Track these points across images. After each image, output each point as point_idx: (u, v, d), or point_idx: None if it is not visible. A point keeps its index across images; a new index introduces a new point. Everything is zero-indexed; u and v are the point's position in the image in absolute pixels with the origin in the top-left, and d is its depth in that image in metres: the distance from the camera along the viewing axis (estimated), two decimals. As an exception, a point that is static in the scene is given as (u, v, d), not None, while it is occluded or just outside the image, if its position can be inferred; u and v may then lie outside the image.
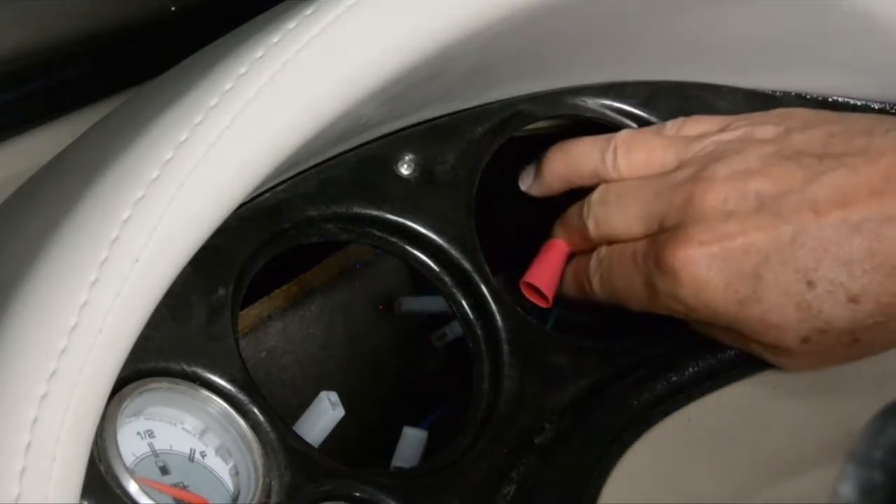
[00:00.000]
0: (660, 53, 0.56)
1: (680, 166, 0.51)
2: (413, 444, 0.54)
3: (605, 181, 0.53)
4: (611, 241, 0.53)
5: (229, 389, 0.44)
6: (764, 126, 0.52)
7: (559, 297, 0.56)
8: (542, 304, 0.55)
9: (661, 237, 0.50)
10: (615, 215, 0.52)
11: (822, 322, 0.47)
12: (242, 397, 0.44)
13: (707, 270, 0.48)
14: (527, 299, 0.55)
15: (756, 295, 0.47)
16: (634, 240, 0.51)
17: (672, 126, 0.55)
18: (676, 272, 0.48)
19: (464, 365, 0.54)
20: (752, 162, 0.49)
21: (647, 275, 0.50)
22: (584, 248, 0.55)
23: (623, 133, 0.54)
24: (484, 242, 0.54)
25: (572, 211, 0.55)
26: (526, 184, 0.58)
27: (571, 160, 0.55)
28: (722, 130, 0.53)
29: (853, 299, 0.46)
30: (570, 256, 0.56)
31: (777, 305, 0.47)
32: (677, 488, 0.50)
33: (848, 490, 0.30)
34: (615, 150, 0.53)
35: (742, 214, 0.48)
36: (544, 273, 0.55)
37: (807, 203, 0.47)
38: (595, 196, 0.53)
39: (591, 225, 0.53)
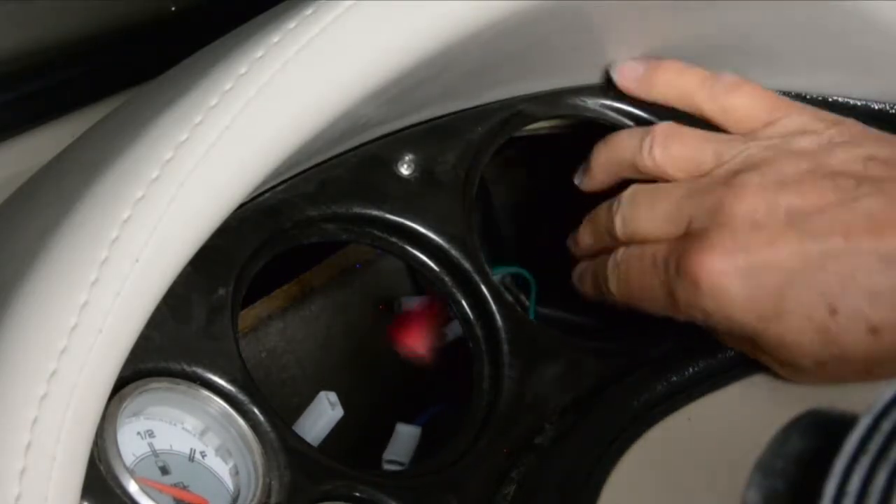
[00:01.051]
0: (659, 54, 0.56)
1: (715, 167, 0.50)
2: (406, 441, 0.54)
3: (644, 172, 0.52)
4: (636, 242, 0.52)
5: (229, 389, 0.44)
6: (806, 135, 0.50)
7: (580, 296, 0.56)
8: (420, 357, 0.57)
9: (685, 242, 0.49)
10: (643, 214, 0.51)
11: (839, 349, 0.46)
12: (242, 397, 0.44)
13: (730, 283, 0.46)
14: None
15: (777, 313, 0.46)
16: (659, 241, 0.50)
17: (721, 90, 0.53)
18: (698, 280, 0.47)
19: (464, 365, 0.54)
20: (788, 175, 0.48)
21: (666, 280, 0.49)
22: (608, 247, 0.54)
23: (663, 124, 0.53)
24: (484, 242, 0.54)
25: (602, 208, 0.54)
26: (578, 179, 0.57)
27: (612, 150, 0.54)
28: (768, 125, 0.51)
29: (873, 330, 0.45)
30: (441, 310, 0.57)
31: (797, 327, 0.46)
32: (677, 488, 0.50)
33: (754, 497, 0.31)
34: (653, 139, 0.52)
35: (771, 228, 0.47)
36: (414, 332, 0.57)
37: (839, 226, 0.46)
38: (626, 193, 0.52)
39: (618, 222, 0.52)
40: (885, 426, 0.27)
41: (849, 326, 0.45)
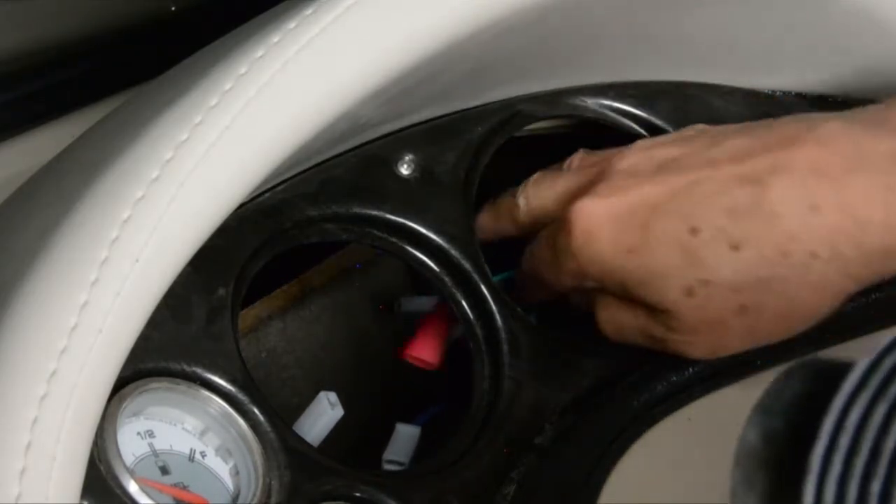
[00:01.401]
0: (660, 53, 0.56)
1: (604, 159, 0.53)
2: (406, 441, 0.54)
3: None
4: (538, 223, 0.53)
5: (229, 389, 0.44)
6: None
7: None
8: (427, 368, 0.56)
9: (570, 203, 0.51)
10: (545, 191, 0.53)
11: (705, 271, 0.47)
12: (242, 397, 0.44)
13: (598, 221, 0.49)
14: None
15: (643, 245, 0.48)
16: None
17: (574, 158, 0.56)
18: (571, 224, 0.49)
19: (464, 365, 0.54)
20: (667, 140, 0.52)
21: (550, 235, 0.51)
22: (511, 234, 0.55)
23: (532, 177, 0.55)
24: (484, 242, 0.54)
25: (504, 195, 0.56)
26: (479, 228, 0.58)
27: (495, 211, 0.56)
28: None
29: (734, 246, 0.46)
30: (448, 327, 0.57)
31: (661, 254, 0.48)
32: (677, 488, 0.50)
33: (753, 436, 0.32)
34: (525, 186, 0.54)
35: (643, 173, 0.49)
36: (426, 344, 0.56)
37: (704, 160, 0.48)
38: (531, 178, 0.54)
39: (521, 202, 0.54)
40: (886, 364, 0.28)
41: (710, 243, 0.47)
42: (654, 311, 0.49)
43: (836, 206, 0.45)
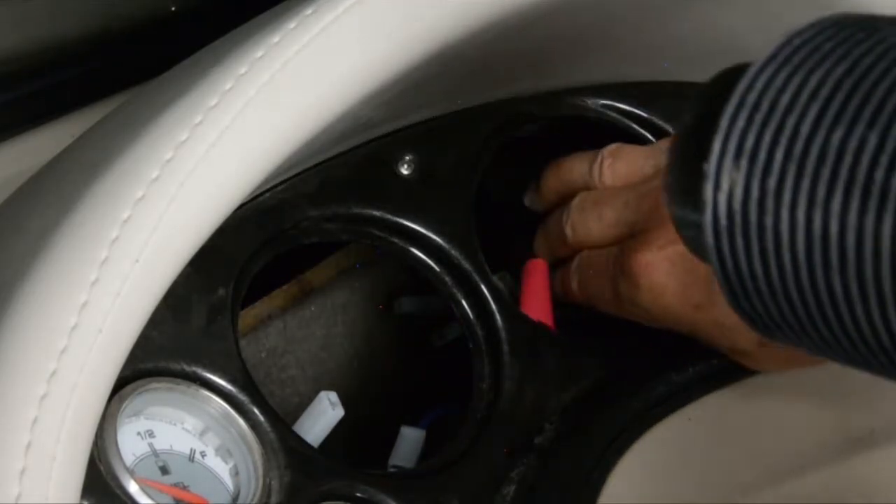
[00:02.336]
0: (660, 53, 0.56)
1: (655, 175, 0.52)
2: (411, 444, 0.54)
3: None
4: (587, 247, 0.54)
5: (229, 389, 0.44)
6: None
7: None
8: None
9: (628, 243, 0.50)
10: (591, 221, 0.53)
11: None
12: (242, 397, 0.44)
13: (664, 275, 0.48)
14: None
15: (710, 300, 0.48)
16: (609, 245, 0.52)
17: (662, 142, 0.56)
18: (636, 277, 0.49)
19: (464, 365, 0.54)
20: None
21: (613, 280, 0.51)
22: (563, 255, 0.55)
23: (611, 146, 0.55)
24: (484, 242, 0.54)
25: (553, 219, 0.56)
26: (528, 200, 0.59)
27: (563, 175, 0.56)
28: None
29: None
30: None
31: (729, 310, 0.47)
32: (677, 488, 0.50)
33: (687, 119, 0.34)
34: (601, 161, 0.54)
35: None
36: (537, 301, 0.55)
37: None
38: (574, 203, 0.54)
39: (568, 231, 0.54)
40: (795, 42, 0.29)
41: None
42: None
43: None
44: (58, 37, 0.58)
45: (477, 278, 0.53)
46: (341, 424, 0.51)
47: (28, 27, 0.57)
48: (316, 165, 0.50)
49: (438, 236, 0.52)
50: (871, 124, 0.25)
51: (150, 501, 0.39)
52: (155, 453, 0.44)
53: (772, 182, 0.27)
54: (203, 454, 0.45)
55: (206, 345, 0.44)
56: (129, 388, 0.41)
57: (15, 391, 0.34)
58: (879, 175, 0.24)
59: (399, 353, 0.65)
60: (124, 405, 0.41)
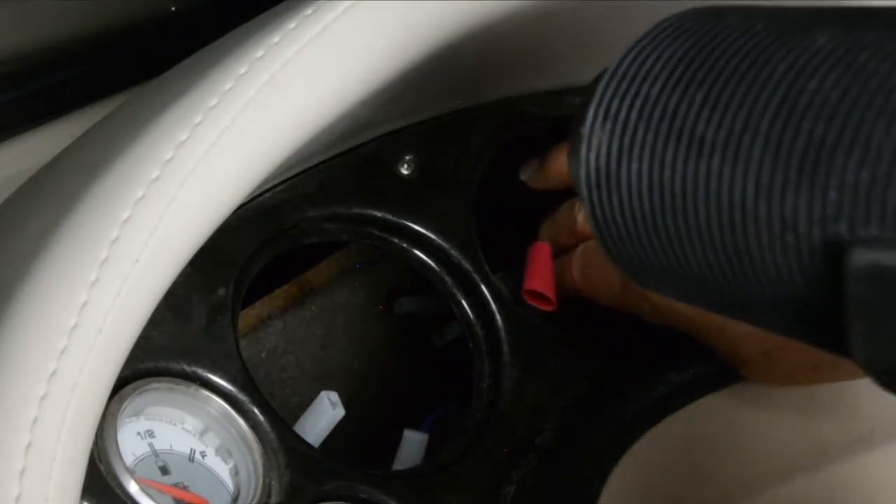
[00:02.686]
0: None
1: None
2: (414, 447, 0.54)
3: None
4: None
5: (229, 389, 0.44)
6: None
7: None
8: (547, 308, 0.55)
9: None
10: None
11: (783, 339, 0.46)
12: (242, 397, 0.44)
13: None
14: (530, 306, 0.55)
15: None
16: None
17: None
18: None
19: (464, 365, 0.54)
20: None
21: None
22: (570, 245, 0.55)
23: None
24: (484, 242, 0.54)
25: (563, 207, 0.55)
26: (527, 175, 0.58)
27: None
28: None
29: None
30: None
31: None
32: (677, 488, 0.50)
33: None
34: None
35: None
36: (541, 277, 0.55)
37: None
38: None
39: (580, 218, 0.53)
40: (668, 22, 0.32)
41: None
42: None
43: None
44: (58, 37, 0.58)
45: (477, 278, 0.53)
46: (341, 424, 0.51)
47: (28, 27, 0.57)
48: (316, 165, 0.50)
49: (438, 236, 0.53)
50: (699, 85, 0.28)
51: (150, 501, 0.39)
52: (155, 453, 0.44)
53: (626, 139, 0.30)
54: (203, 454, 0.45)
55: (206, 345, 0.44)
56: (129, 388, 0.41)
57: (15, 391, 0.34)
58: (700, 128, 0.28)
59: (399, 353, 0.65)
60: (124, 405, 0.41)
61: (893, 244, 0.23)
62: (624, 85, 0.31)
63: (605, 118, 0.31)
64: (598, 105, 0.32)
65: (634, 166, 0.30)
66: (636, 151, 0.30)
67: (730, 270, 0.28)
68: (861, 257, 0.24)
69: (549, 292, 0.54)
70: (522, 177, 0.58)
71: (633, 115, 0.30)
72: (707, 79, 0.28)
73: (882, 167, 0.23)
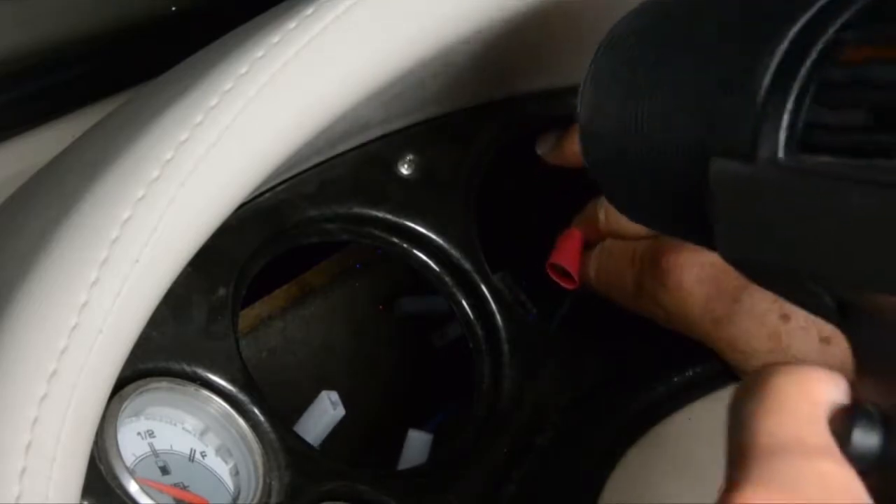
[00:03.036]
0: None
1: None
2: (419, 447, 0.54)
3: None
4: (618, 236, 0.53)
5: (229, 389, 0.44)
6: None
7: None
8: (567, 285, 0.55)
9: (663, 238, 0.50)
10: None
11: (791, 357, 0.46)
12: (243, 397, 0.44)
13: (692, 280, 0.48)
14: (539, 289, 0.55)
15: (730, 316, 0.47)
16: (638, 238, 0.52)
17: None
18: (665, 275, 0.49)
19: (464, 365, 0.54)
20: None
21: (640, 273, 0.51)
22: (592, 241, 0.55)
23: None
24: (484, 242, 0.54)
25: (590, 204, 0.55)
26: (544, 150, 0.57)
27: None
28: None
29: (825, 340, 0.46)
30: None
31: (748, 332, 0.47)
32: (678, 488, 0.50)
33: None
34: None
35: None
36: (567, 254, 0.55)
37: None
38: None
39: (601, 216, 0.53)
40: None
41: (800, 334, 0.46)
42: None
43: None
44: (58, 37, 0.58)
45: (477, 278, 0.53)
46: (342, 424, 0.51)
47: (28, 27, 0.57)
48: (316, 165, 0.50)
49: (438, 236, 0.52)
50: (652, 43, 0.35)
51: (150, 501, 0.39)
52: (155, 453, 0.44)
53: (602, 92, 0.37)
54: (203, 454, 0.45)
55: (206, 345, 0.44)
56: (129, 388, 0.41)
57: (15, 391, 0.34)
58: (639, 81, 0.34)
59: (399, 353, 0.65)
60: (124, 405, 0.41)
61: (744, 157, 0.29)
62: (610, 49, 0.37)
63: (594, 78, 0.38)
64: (591, 68, 0.38)
65: (603, 110, 0.37)
66: (604, 99, 0.37)
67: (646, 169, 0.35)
68: (717, 165, 0.30)
69: (573, 269, 0.54)
70: (539, 151, 0.57)
71: (609, 73, 0.37)
72: (658, 35, 0.35)
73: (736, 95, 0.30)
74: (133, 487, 0.39)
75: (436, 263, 0.53)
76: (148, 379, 0.42)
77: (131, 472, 0.39)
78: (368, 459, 0.54)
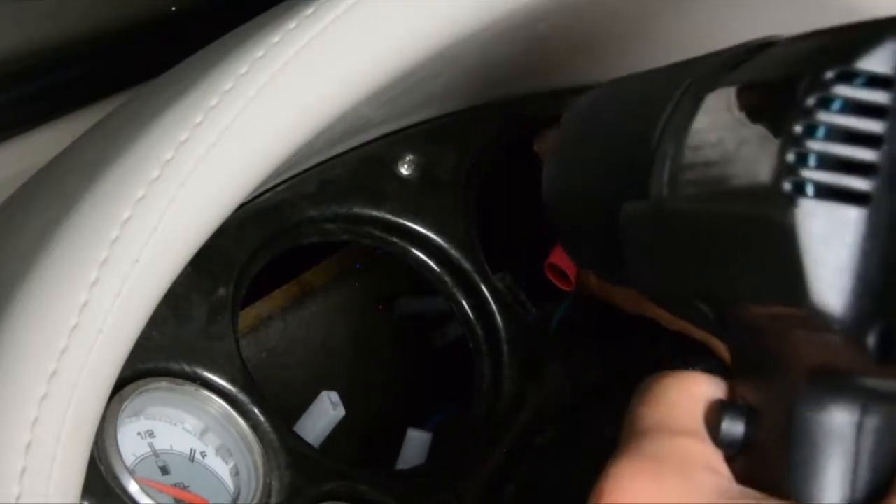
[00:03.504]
0: (661, 53, 0.56)
1: None
2: (418, 446, 0.54)
3: None
4: None
5: (229, 389, 0.44)
6: None
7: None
8: (564, 286, 0.55)
9: None
10: None
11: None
12: (243, 397, 0.44)
13: None
14: (543, 286, 0.55)
15: None
16: None
17: None
18: None
19: (464, 365, 0.54)
20: None
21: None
22: None
23: None
24: (484, 242, 0.54)
25: None
26: (542, 147, 0.57)
27: None
28: None
29: None
30: None
31: None
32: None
33: None
34: None
35: None
36: (565, 256, 0.55)
37: None
38: None
39: None
40: None
41: None
42: None
43: None
44: (58, 37, 0.58)
45: (477, 278, 0.53)
46: (342, 424, 0.51)
47: (28, 27, 0.57)
48: (316, 165, 0.50)
49: (438, 236, 0.52)
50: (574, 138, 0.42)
51: (150, 501, 0.39)
52: (155, 453, 0.44)
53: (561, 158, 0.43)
54: (203, 454, 0.45)
55: (206, 345, 0.44)
56: (129, 388, 0.41)
57: (15, 391, 0.34)
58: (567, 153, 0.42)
59: (399, 353, 0.65)
60: (124, 405, 0.41)
61: (651, 198, 0.32)
62: (564, 126, 0.43)
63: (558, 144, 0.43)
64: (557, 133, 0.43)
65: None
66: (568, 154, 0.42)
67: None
68: (629, 208, 0.34)
69: (570, 270, 0.54)
70: (536, 149, 0.57)
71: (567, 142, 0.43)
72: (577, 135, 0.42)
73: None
74: (133, 487, 0.39)
75: (436, 263, 0.53)
76: (148, 379, 0.42)
77: (131, 472, 0.39)
78: (368, 459, 0.54)
